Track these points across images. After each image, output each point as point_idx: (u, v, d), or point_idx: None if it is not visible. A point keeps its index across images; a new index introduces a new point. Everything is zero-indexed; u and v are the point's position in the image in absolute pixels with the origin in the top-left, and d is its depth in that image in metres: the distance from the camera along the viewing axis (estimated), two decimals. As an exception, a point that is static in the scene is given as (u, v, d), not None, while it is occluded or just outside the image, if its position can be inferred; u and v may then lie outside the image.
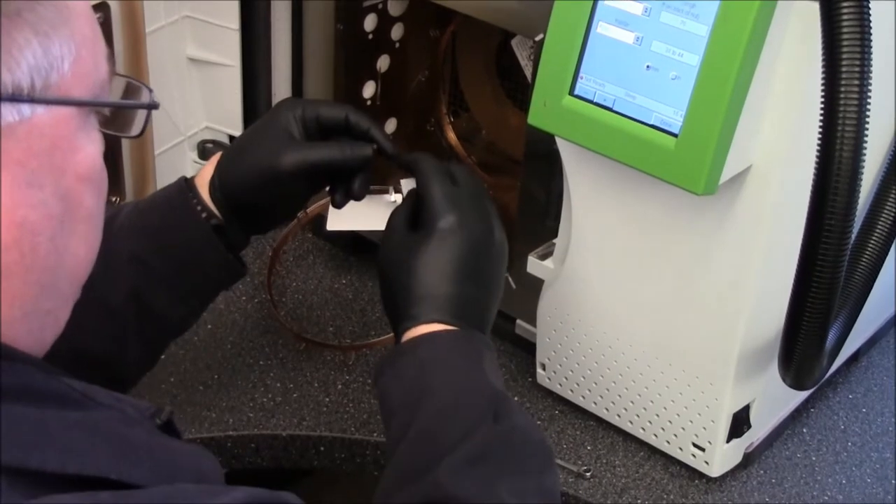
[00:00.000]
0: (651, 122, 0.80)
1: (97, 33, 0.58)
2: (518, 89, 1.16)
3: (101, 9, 0.98)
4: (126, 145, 1.06)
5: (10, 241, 0.54)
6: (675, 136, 0.79)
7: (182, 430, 0.97)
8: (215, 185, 0.86)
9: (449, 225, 0.80)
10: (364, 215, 0.96)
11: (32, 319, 0.57)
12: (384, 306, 0.83)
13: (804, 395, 1.03)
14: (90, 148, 0.58)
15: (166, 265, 0.85)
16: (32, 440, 0.52)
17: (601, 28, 0.81)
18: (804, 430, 1.04)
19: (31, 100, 0.53)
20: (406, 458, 0.73)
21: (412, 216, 0.83)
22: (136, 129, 0.65)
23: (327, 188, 0.90)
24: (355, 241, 1.17)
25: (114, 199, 1.07)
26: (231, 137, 1.20)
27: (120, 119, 0.64)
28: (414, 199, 0.84)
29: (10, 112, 0.52)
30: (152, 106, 0.64)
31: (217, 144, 1.19)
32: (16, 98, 0.52)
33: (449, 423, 0.73)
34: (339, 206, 0.89)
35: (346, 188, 0.88)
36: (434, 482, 0.69)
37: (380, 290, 0.83)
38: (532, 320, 1.02)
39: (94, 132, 0.58)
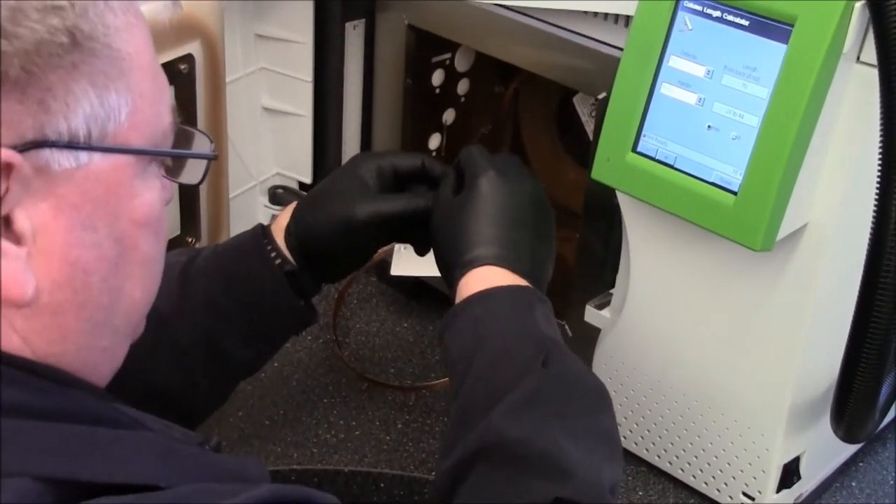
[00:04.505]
0: (711, 180, 0.83)
1: (161, 86, 0.61)
2: (577, 144, 1.19)
3: (187, 60, 1.03)
4: (203, 189, 1.10)
5: (64, 279, 0.56)
6: (735, 193, 0.81)
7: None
8: (290, 232, 0.88)
9: (489, 179, 0.83)
10: (426, 262, 0.97)
11: (87, 354, 0.59)
12: (440, 270, 0.86)
13: (854, 448, 1.05)
14: (148, 195, 0.59)
15: (237, 308, 0.87)
16: (81, 451, 0.53)
17: (665, 89, 0.84)
18: (853, 484, 1.05)
19: (88, 147, 0.55)
20: (463, 408, 0.75)
21: (458, 186, 0.86)
22: (195, 178, 0.66)
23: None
24: (417, 287, 1.20)
25: (190, 239, 1.11)
26: (301, 184, 1.24)
27: (182, 168, 0.65)
28: (456, 169, 0.87)
29: (68, 159, 0.54)
30: (211, 156, 0.66)
31: (287, 190, 1.23)
32: (72, 145, 0.54)
33: (500, 370, 0.75)
34: (424, 253, 0.92)
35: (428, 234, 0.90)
36: (487, 426, 0.71)
37: (434, 258, 0.86)
38: (588, 367, 1.05)
39: (153, 180, 0.60)
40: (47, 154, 0.53)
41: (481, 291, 0.79)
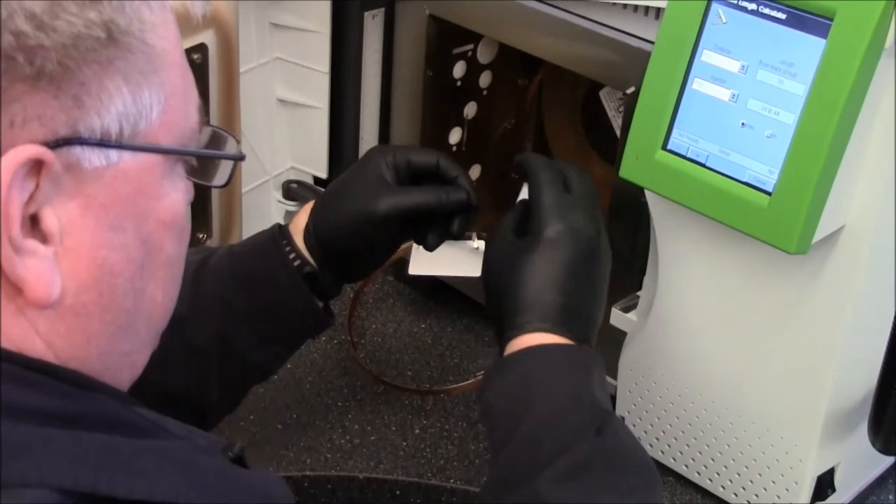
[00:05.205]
0: (744, 180, 0.80)
1: (189, 84, 0.59)
2: (603, 140, 1.16)
3: (200, 49, 1.00)
4: (215, 184, 1.08)
5: (90, 280, 0.55)
6: (769, 194, 0.79)
7: (258, 467, 0.98)
8: (310, 231, 0.87)
9: (557, 233, 0.80)
10: (446, 261, 0.97)
11: (109, 359, 0.58)
12: (489, 312, 0.83)
13: (890, 460, 1.02)
14: (174, 195, 0.59)
15: (252, 310, 0.86)
16: (102, 464, 0.52)
17: (697, 84, 0.81)
18: (890, 497, 1.02)
19: (119, 146, 0.54)
20: (506, 468, 0.73)
21: (520, 221, 0.84)
22: (221, 179, 0.65)
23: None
24: (435, 286, 1.17)
25: (201, 235, 1.08)
26: (316, 178, 1.22)
27: (207, 168, 0.64)
28: (523, 205, 0.84)
29: (98, 157, 0.53)
30: (238, 157, 0.65)
31: (301, 185, 1.21)
32: (104, 143, 0.53)
33: (550, 434, 0.73)
34: (432, 248, 0.90)
35: (443, 230, 0.89)
36: (532, 492, 0.69)
37: (484, 296, 0.84)
38: (613, 372, 1.02)
39: (179, 180, 0.59)
40: (78, 151, 0.52)
41: (534, 346, 0.77)
